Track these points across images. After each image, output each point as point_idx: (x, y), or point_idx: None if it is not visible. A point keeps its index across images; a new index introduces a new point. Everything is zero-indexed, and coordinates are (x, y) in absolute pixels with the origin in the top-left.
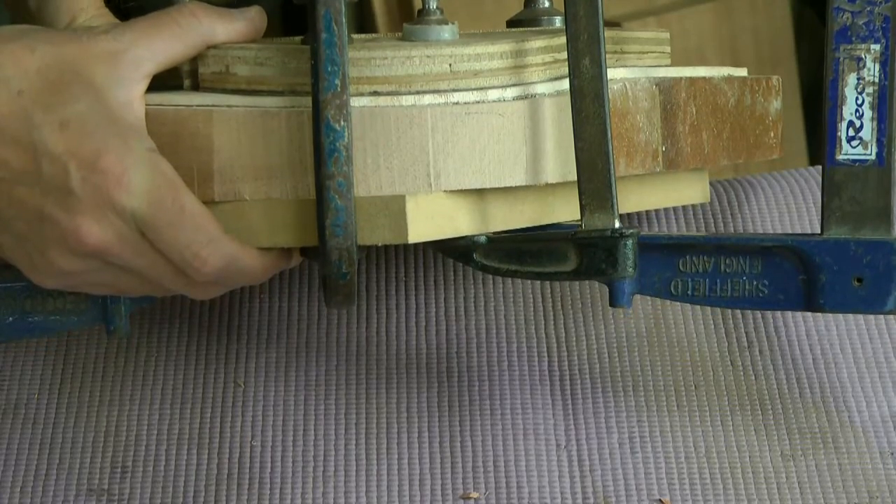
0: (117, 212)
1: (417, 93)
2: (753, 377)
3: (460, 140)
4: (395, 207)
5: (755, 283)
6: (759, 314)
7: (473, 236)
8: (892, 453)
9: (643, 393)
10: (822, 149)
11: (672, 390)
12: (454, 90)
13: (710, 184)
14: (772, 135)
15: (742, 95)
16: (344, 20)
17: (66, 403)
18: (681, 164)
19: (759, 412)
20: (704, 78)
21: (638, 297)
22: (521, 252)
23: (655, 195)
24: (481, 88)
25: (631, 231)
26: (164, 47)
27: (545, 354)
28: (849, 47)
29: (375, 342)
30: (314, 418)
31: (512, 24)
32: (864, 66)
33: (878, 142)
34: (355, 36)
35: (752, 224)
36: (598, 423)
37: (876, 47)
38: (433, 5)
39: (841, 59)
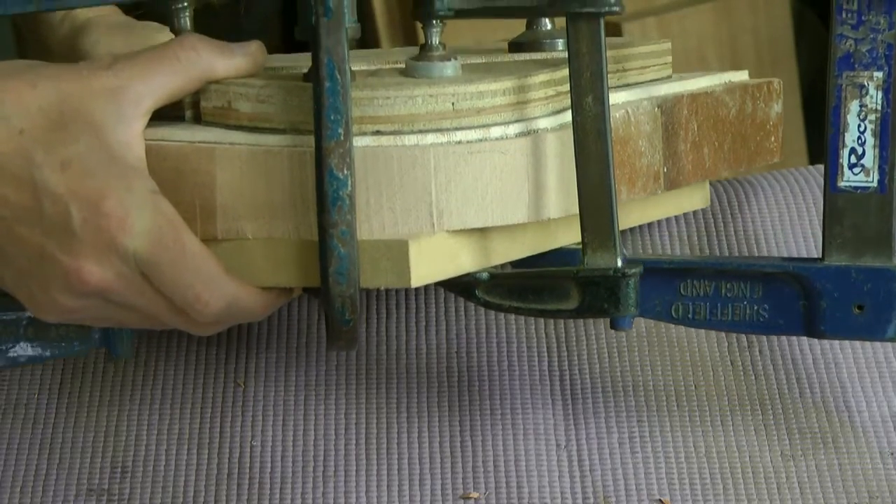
0: (119, 254)
1: (420, 132)
2: (753, 377)
3: (463, 179)
4: (397, 251)
5: (756, 307)
6: None
7: (475, 273)
8: (892, 453)
9: (643, 393)
10: (824, 174)
11: (672, 390)
12: (457, 128)
13: (710, 183)
14: (772, 139)
15: (743, 104)
16: (348, 67)
17: (66, 403)
18: (682, 182)
19: (759, 412)
20: (706, 92)
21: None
22: (524, 289)
23: (657, 208)
24: (484, 126)
25: (633, 270)
26: (164, 83)
27: (545, 354)
28: (851, 74)
29: (375, 342)
30: (314, 418)
31: (514, 46)
32: (867, 93)
33: (880, 169)
34: (356, 69)
35: (752, 224)
36: (598, 423)
37: (879, 75)
38: (435, 40)
39: (843, 85)
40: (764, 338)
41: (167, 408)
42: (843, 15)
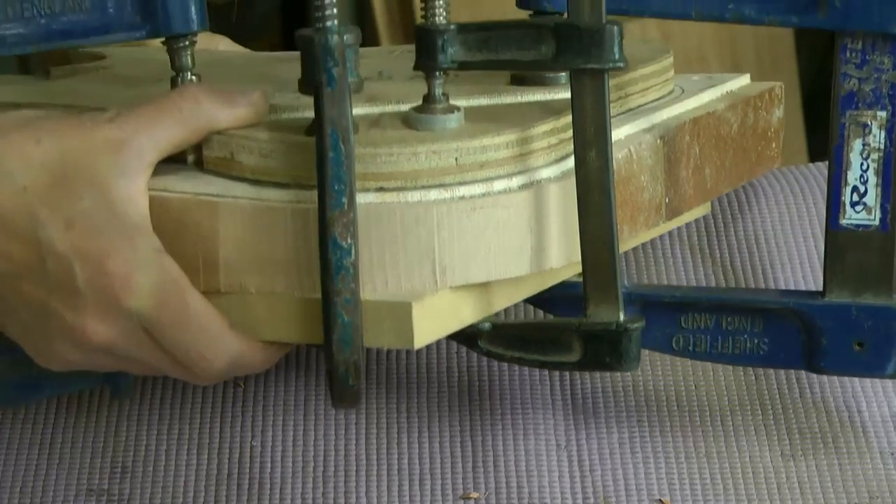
0: (123, 313)
1: (423, 188)
2: (753, 377)
3: (466, 235)
4: (400, 313)
5: (756, 341)
6: None
7: (477, 323)
8: (892, 453)
9: (643, 393)
10: (826, 211)
11: (672, 390)
12: (460, 183)
13: None
14: (773, 146)
15: (745, 117)
16: (352, 136)
17: (66, 403)
18: (684, 209)
19: (759, 412)
20: (708, 113)
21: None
22: (526, 340)
23: (658, 228)
24: (487, 180)
25: (635, 325)
26: (167, 135)
27: None
28: (855, 113)
29: None
30: (314, 418)
31: (516, 79)
32: (870, 132)
33: (882, 207)
34: (357, 112)
35: (753, 224)
36: (598, 423)
37: (882, 114)
38: (438, 91)
39: (847, 124)
40: None
41: (167, 408)
42: (848, 54)
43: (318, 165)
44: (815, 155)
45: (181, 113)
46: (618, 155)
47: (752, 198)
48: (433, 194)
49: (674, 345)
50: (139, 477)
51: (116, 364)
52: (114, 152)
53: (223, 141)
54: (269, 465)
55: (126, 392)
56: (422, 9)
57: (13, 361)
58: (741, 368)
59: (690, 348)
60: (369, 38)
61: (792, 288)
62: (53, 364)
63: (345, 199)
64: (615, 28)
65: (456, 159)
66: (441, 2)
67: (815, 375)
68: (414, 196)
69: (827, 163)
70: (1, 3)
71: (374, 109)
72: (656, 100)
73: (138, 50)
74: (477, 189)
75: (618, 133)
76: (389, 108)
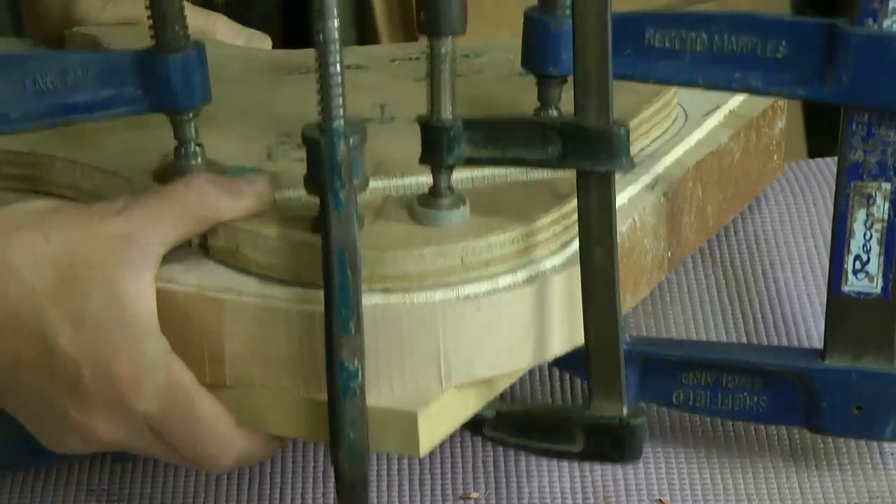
0: (130, 413)
1: (429, 288)
2: None
3: (471, 335)
4: (406, 422)
5: (756, 398)
6: (761, 312)
7: (482, 411)
8: (892, 453)
9: None
10: (829, 278)
11: None
12: (465, 282)
13: None
14: (775, 158)
15: (748, 142)
16: (359, 259)
17: None
18: (685, 254)
19: None
20: (712, 152)
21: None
22: (529, 427)
23: None
24: (492, 277)
25: (638, 421)
26: (173, 227)
27: None
28: (860, 184)
29: None
30: None
31: None
32: (874, 203)
33: (885, 276)
34: (362, 181)
35: (753, 224)
36: None
37: (887, 186)
38: (444, 185)
39: (851, 195)
40: (765, 338)
41: None
42: (854, 126)
43: (325, 287)
44: (814, 153)
45: (187, 205)
46: (622, 228)
47: (752, 201)
48: (438, 294)
49: (674, 400)
50: (139, 477)
51: (123, 451)
52: (121, 247)
53: (229, 233)
54: (269, 465)
55: (128, 458)
56: (428, 103)
57: (15, 433)
58: None
59: (690, 403)
60: (369, 37)
61: (791, 288)
62: (62, 450)
63: (352, 324)
64: (622, 130)
65: (462, 258)
66: (447, 97)
67: None
68: (419, 297)
69: (827, 160)
70: (3, 79)
71: (379, 184)
72: (658, 136)
73: (131, 34)
74: (482, 287)
75: (621, 198)
76: (394, 184)
